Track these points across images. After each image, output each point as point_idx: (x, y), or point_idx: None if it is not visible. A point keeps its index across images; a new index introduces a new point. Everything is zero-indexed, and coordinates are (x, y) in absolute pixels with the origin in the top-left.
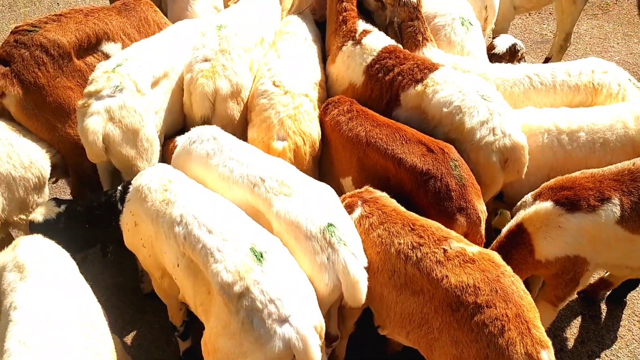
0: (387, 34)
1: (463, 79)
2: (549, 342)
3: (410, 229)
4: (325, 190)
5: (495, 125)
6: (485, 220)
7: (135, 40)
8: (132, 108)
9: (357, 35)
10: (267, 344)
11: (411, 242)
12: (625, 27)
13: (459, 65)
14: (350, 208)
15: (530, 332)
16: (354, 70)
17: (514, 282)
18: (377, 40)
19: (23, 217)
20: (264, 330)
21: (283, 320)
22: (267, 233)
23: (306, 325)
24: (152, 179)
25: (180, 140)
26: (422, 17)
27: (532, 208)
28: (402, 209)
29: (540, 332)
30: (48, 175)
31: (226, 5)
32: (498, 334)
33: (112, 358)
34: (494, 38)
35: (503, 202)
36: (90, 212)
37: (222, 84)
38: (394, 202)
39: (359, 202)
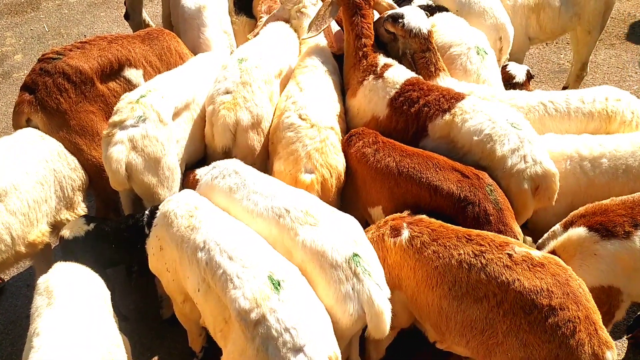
0: (401, 64)
1: (491, 107)
2: (613, 343)
3: (467, 239)
4: (350, 221)
5: (526, 153)
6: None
7: (157, 68)
8: (155, 137)
9: (378, 69)
10: None
11: (472, 251)
12: None
13: (474, 93)
14: (396, 231)
15: (597, 333)
16: (376, 104)
17: (581, 286)
18: (399, 74)
19: (69, 217)
20: (278, 359)
21: (298, 350)
22: (287, 262)
23: (320, 355)
24: (179, 205)
25: (202, 174)
26: (434, 47)
27: (565, 235)
28: (448, 224)
29: (605, 333)
30: (88, 182)
31: (244, 39)
32: (570, 335)
33: None
34: (504, 67)
35: (527, 228)
36: (118, 233)
37: (243, 115)
38: (437, 221)
39: (404, 225)
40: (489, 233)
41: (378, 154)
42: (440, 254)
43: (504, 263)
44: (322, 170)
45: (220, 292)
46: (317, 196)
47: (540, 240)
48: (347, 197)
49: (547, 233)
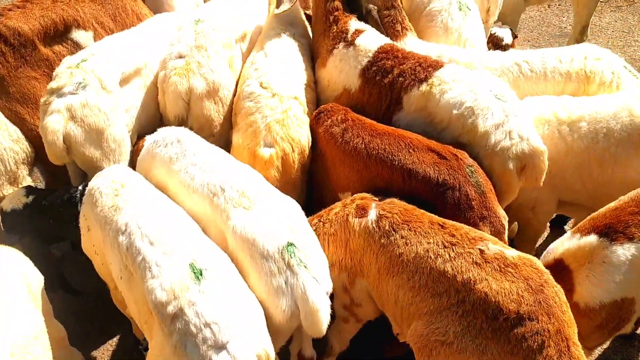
0: (367, 23)
1: (473, 76)
2: None
3: (439, 227)
4: (289, 204)
5: (512, 129)
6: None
7: (110, 30)
8: (96, 106)
9: (349, 36)
10: None
11: (442, 242)
12: None
13: (444, 54)
14: (363, 210)
15: (570, 350)
16: (348, 74)
17: (557, 294)
18: (371, 40)
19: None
20: (197, 357)
21: (220, 347)
22: (214, 248)
23: (246, 353)
24: (104, 182)
25: (146, 142)
26: (399, 4)
27: (574, 242)
28: (422, 210)
29: (579, 351)
30: (34, 155)
31: None
32: (537, 350)
33: None
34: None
35: None
36: (54, 208)
37: (197, 82)
38: (410, 205)
39: (373, 205)
40: (465, 226)
41: (346, 134)
42: (408, 240)
43: (473, 259)
44: (283, 144)
45: (140, 280)
46: (277, 172)
47: (550, 246)
48: (320, 179)
49: (556, 241)
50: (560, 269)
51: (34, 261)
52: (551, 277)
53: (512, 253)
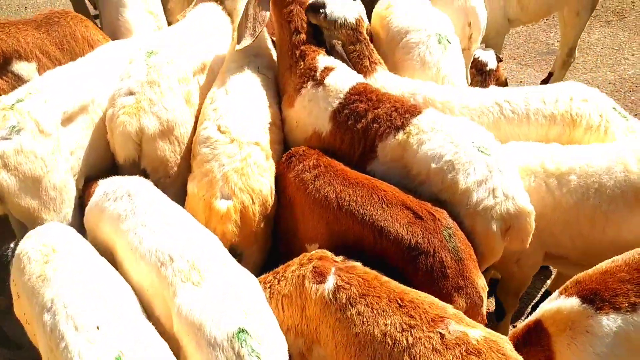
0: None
1: (454, 125)
2: None
3: (397, 305)
4: (245, 281)
5: (496, 186)
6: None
7: (57, 59)
8: (32, 152)
9: (317, 74)
10: None
11: (400, 323)
12: None
13: (418, 91)
14: (321, 276)
15: None
16: (317, 117)
17: None
18: (342, 80)
19: None
20: None
21: None
22: (150, 337)
23: None
24: (34, 246)
25: (97, 191)
26: (365, 38)
27: (555, 304)
28: (385, 278)
29: None
30: None
31: (174, 20)
32: None
33: None
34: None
35: None
36: None
37: (149, 121)
38: (372, 271)
39: (332, 270)
40: (426, 297)
41: (317, 181)
42: (365, 319)
43: (433, 345)
44: (242, 196)
45: None
46: (236, 227)
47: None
48: (286, 227)
49: (546, 300)
50: (538, 332)
51: None
52: None
53: (477, 335)
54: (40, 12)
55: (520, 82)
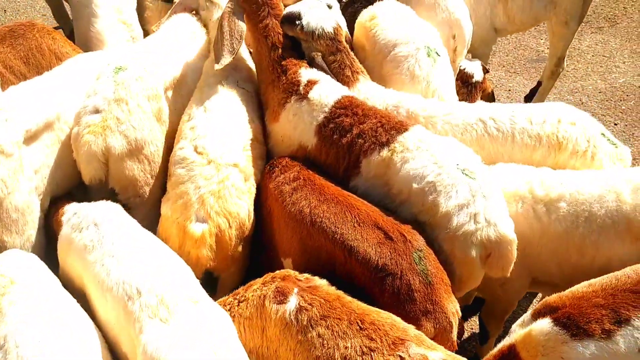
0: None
1: (440, 145)
2: None
3: (358, 327)
4: (216, 317)
5: (478, 211)
6: (458, 322)
7: (21, 74)
8: None
9: (301, 88)
10: None
11: (360, 346)
12: (634, 43)
13: (402, 104)
14: (282, 296)
15: None
16: (303, 131)
17: None
18: (327, 93)
19: None
20: None
21: None
22: None
23: None
24: None
25: (64, 221)
26: (345, 47)
27: (527, 328)
28: (348, 297)
29: None
30: None
31: (151, 30)
32: None
33: None
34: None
35: None
36: None
37: (115, 141)
38: (336, 290)
39: (295, 290)
40: (387, 319)
41: (295, 195)
42: (325, 342)
43: None
44: (218, 220)
45: None
46: (211, 251)
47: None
48: (266, 239)
49: (517, 322)
50: (512, 357)
51: None
52: None
53: (437, 357)
54: (4, 25)
55: (509, 90)
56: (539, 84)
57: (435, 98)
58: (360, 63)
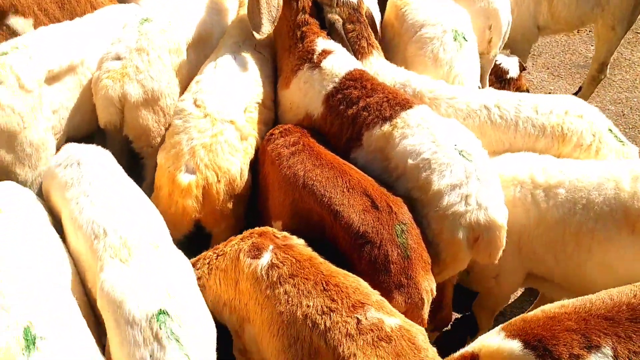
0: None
1: (441, 126)
2: None
3: (322, 288)
4: (176, 263)
5: (470, 193)
6: (430, 301)
7: (55, 18)
8: (10, 107)
9: (315, 57)
10: None
11: (321, 306)
12: None
13: (410, 83)
14: (257, 251)
15: None
16: (311, 99)
17: None
18: (339, 64)
19: None
20: None
21: None
22: (69, 310)
23: None
24: None
25: (54, 157)
26: (365, 20)
27: (495, 343)
28: (320, 259)
29: None
30: None
31: None
32: None
33: None
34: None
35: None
36: None
37: (132, 89)
38: (310, 251)
39: (270, 247)
40: (353, 282)
41: (292, 159)
42: (290, 299)
43: (347, 330)
44: (207, 172)
45: None
46: (197, 203)
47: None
48: (260, 203)
49: (487, 333)
50: None
51: None
52: (432, 356)
53: (392, 322)
54: None
55: (549, 93)
56: (580, 89)
57: (456, 84)
58: (387, 43)
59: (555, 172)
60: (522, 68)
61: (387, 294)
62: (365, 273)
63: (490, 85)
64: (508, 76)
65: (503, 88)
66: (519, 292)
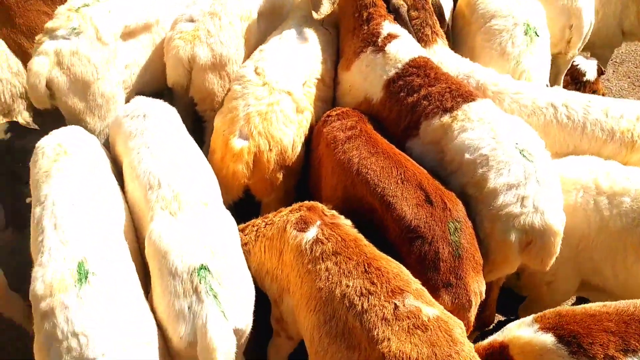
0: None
1: (503, 121)
2: None
3: (364, 270)
4: (224, 222)
5: (528, 195)
6: (479, 303)
7: None
8: (86, 57)
9: (379, 40)
10: None
11: (360, 287)
12: None
13: (474, 74)
14: (304, 224)
15: None
16: (372, 83)
17: None
18: (404, 50)
19: None
20: None
21: None
22: (120, 252)
23: None
24: (51, 144)
25: (123, 108)
26: (430, 8)
27: (528, 334)
28: (365, 241)
29: None
30: None
31: None
32: None
33: None
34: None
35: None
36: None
37: (202, 51)
38: (356, 232)
39: (317, 222)
40: (394, 268)
41: (348, 143)
42: (330, 276)
43: (384, 314)
44: (259, 140)
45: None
46: (247, 169)
47: (507, 325)
48: (313, 184)
49: (516, 322)
50: (503, 356)
51: None
52: (468, 348)
53: (430, 312)
54: None
55: None
56: None
57: (522, 80)
58: (457, 32)
59: (621, 178)
60: (601, 72)
61: (434, 292)
62: (413, 268)
63: (565, 87)
64: (585, 78)
65: (578, 91)
66: None
